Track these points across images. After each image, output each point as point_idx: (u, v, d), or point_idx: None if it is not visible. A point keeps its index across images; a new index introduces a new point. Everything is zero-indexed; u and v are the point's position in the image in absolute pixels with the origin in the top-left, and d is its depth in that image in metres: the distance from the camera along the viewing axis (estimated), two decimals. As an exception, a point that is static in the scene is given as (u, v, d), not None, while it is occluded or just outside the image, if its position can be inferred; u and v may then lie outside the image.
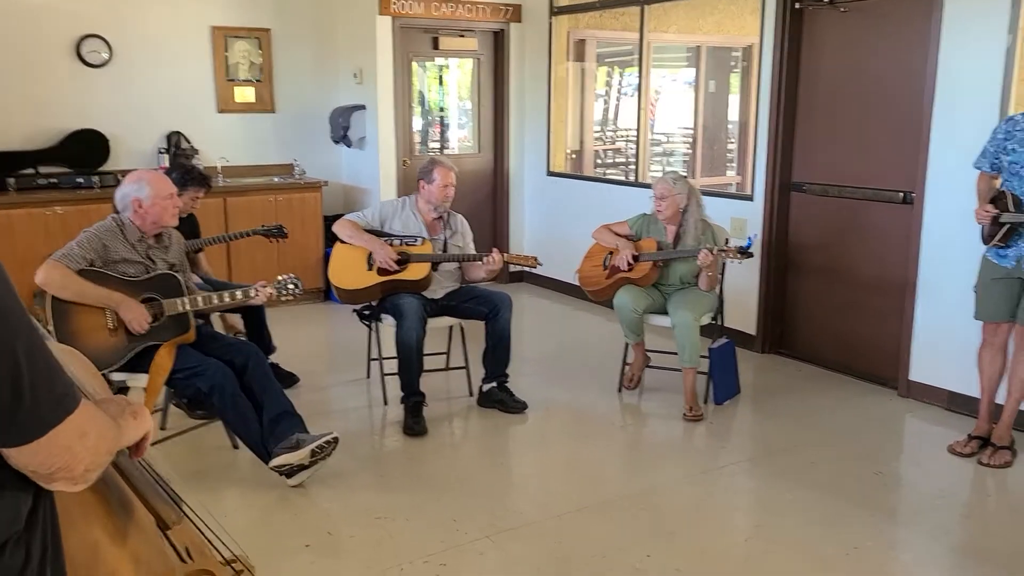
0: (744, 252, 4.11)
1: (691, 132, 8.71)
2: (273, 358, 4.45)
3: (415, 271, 4.17)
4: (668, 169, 8.06)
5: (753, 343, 5.31)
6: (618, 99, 8.31)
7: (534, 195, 7.14)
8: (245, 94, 6.54)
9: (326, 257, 6.49)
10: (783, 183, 5.13)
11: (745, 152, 9.11)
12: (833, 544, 3.07)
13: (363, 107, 6.54)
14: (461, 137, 7.37)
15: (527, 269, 4.39)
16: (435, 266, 4.25)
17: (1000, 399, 3.86)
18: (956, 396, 4.33)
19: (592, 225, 6.33)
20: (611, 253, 4.48)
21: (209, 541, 1.53)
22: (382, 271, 4.18)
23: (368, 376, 4.76)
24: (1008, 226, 3.63)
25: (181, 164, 5.41)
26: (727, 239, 4.48)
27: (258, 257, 6.06)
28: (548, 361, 5.12)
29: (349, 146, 6.67)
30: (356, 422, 4.27)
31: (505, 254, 4.27)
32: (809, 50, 4.96)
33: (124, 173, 5.96)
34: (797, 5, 4.90)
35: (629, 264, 4.33)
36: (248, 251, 5.98)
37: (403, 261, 4.20)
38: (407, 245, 4.25)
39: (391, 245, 4.23)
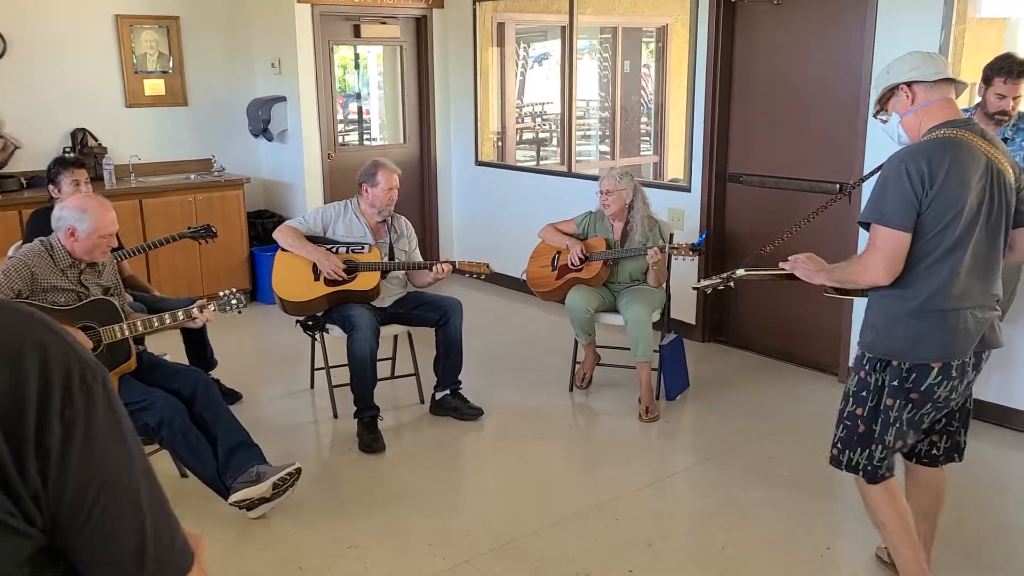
0: (695, 249, 4.12)
1: (609, 113, 8.76)
2: (214, 372, 4.23)
3: (364, 281, 4.02)
4: (588, 150, 8.08)
5: (693, 332, 5.37)
6: (523, 73, 8.25)
7: (462, 186, 7.01)
8: (155, 86, 6.17)
9: (251, 257, 6.23)
10: (720, 174, 5.18)
11: (662, 132, 9.25)
12: (807, 544, 3.13)
13: (283, 98, 6.26)
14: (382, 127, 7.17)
15: (478, 276, 4.26)
16: (383, 274, 4.11)
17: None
18: (894, 381, 4.48)
19: (522, 215, 6.32)
20: (559, 253, 4.42)
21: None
22: (329, 281, 4.01)
23: (312, 387, 4.59)
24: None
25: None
26: (671, 234, 4.49)
27: (179, 262, 5.76)
28: (493, 360, 5.04)
29: (270, 140, 6.38)
30: (307, 439, 4.12)
31: (456, 262, 4.16)
32: (743, 42, 4.99)
33: (27, 176, 5.59)
34: (732, -2, 4.93)
35: (579, 263, 4.30)
36: (167, 256, 5.65)
37: (351, 270, 4.04)
38: (354, 253, 4.09)
39: (336, 253, 4.06)
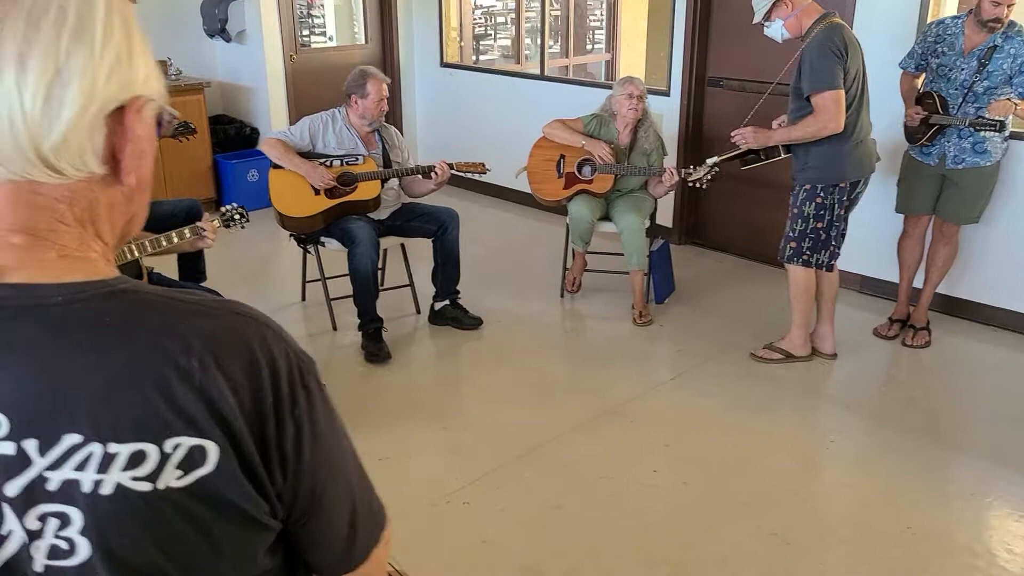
0: (710, 168, 4.07)
1: (560, 9, 8.58)
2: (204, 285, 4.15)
3: (366, 190, 3.97)
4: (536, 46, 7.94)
5: (670, 235, 5.48)
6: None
7: (426, 88, 6.85)
8: (100, -17, 5.76)
9: (215, 164, 6.03)
10: (700, 78, 5.19)
11: (614, 29, 9.13)
12: (813, 437, 3.35)
13: (240, -4, 5.95)
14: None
15: (472, 175, 4.28)
16: (382, 183, 4.06)
17: (917, 284, 4.24)
18: (868, 280, 4.71)
19: (492, 120, 6.26)
20: (563, 157, 4.39)
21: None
22: (331, 194, 3.94)
23: (303, 299, 4.56)
24: (936, 127, 3.88)
25: None
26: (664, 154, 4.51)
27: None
28: (480, 267, 5.05)
29: (228, 40, 6.09)
30: (310, 352, 4.10)
31: (453, 164, 4.13)
32: (726, -58, 4.94)
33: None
34: None
35: (608, 161, 4.26)
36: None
37: (349, 182, 3.97)
38: (348, 165, 4.01)
39: (330, 167, 3.98)
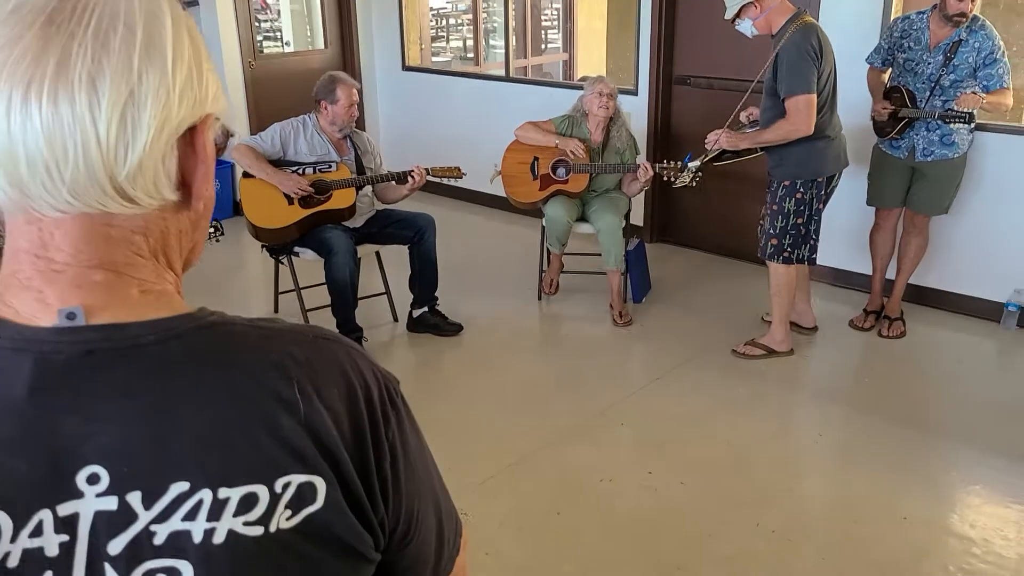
0: (694, 173, 4.05)
1: (516, 8, 8.57)
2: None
3: (341, 198, 3.89)
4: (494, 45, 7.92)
5: (642, 234, 5.49)
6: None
7: (388, 93, 6.77)
8: (48, -9, 5.58)
9: (174, 176, 5.88)
10: (667, 76, 5.21)
11: (572, 29, 9.15)
12: (801, 433, 3.38)
13: (196, 2, 5.80)
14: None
15: (447, 181, 4.25)
16: (356, 190, 3.99)
17: (889, 275, 4.30)
18: (839, 272, 4.77)
19: (457, 124, 6.21)
20: (537, 159, 4.36)
21: None
22: (305, 203, 3.86)
23: (276, 311, 4.47)
24: (905, 120, 3.95)
25: None
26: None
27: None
28: (455, 272, 4.98)
29: (184, 48, 5.93)
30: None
31: (429, 168, 4.08)
32: (689, -60, 4.96)
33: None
34: None
35: (581, 156, 4.23)
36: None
37: (323, 190, 3.90)
38: (321, 172, 3.93)
39: (303, 175, 3.90)
